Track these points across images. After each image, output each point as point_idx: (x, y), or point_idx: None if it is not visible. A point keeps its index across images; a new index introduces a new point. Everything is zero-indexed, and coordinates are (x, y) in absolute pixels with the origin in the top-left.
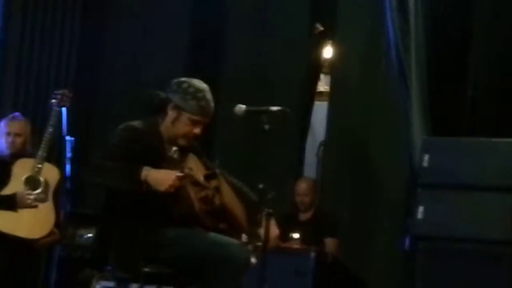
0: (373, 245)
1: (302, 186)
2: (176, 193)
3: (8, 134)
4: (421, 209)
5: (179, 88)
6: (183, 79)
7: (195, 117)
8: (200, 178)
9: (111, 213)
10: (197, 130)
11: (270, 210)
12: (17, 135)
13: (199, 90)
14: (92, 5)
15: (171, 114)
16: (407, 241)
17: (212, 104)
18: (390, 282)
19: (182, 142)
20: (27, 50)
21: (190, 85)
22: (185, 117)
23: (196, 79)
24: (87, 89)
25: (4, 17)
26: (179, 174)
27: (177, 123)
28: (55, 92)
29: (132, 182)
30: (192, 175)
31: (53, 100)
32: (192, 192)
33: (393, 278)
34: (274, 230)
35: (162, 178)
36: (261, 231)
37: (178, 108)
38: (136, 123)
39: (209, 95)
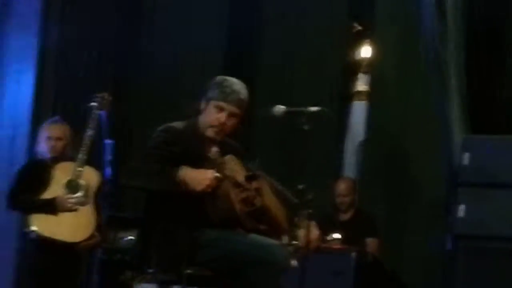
0: (412, 245)
1: (342, 187)
2: (216, 194)
3: (49, 138)
4: (462, 207)
5: (212, 85)
6: (218, 77)
7: (218, 103)
8: (241, 179)
9: (152, 215)
10: (223, 118)
11: (310, 211)
12: (58, 139)
13: (225, 80)
14: (130, 8)
15: (202, 106)
16: (447, 240)
17: (241, 96)
18: (429, 281)
19: (210, 133)
20: (65, 53)
21: (220, 78)
22: (211, 105)
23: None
24: (126, 92)
25: (43, 20)
26: (216, 174)
27: (205, 114)
28: (95, 95)
29: (169, 183)
30: (232, 176)
31: (93, 104)
32: (233, 194)
33: (433, 278)
34: (315, 232)
35: (199, 177)
36: (301, 233)
37: (206, 99)
38: (175, 124)
39: (237, 86)
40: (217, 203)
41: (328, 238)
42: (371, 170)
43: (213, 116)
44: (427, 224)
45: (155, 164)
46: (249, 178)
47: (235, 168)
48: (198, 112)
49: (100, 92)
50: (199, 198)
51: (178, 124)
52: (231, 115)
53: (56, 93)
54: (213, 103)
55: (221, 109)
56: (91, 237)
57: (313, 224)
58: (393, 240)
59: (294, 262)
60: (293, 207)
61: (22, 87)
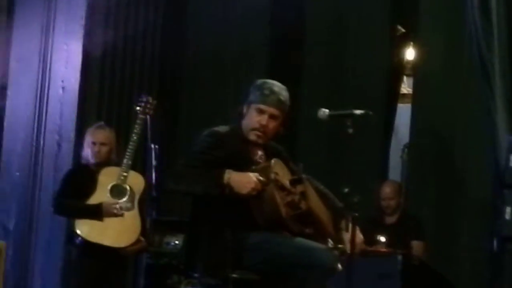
0: (459, 247)
1: (387, 190)
2: (262, 198)
3: (94, 143)
4: (508, 210)
5: (252, 86)
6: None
7: (258, 105)
8: (286, 183)
9: (198, 219)
10: (263, 121)
11: (356, 214)
12: (102, 144)
13: (265, 82)
14: (174, 12)
15: (244, 111)
16: (494, 242)
17: (281, 98)
18: (477, 283)
19: (253, 137)
20: (109, 58)
21: (261, 81)
22: (252, 108)
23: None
24: (171, 96)
25: (87, 26)
26: (261, 177)
27: (247, 117)
28: (140, 100)
29: (215, 186)
30: (278, 179)
31: (138, 108)
32: (278, 197)
33: (480, 280)
34: (359, 236)
35: (244, 181)
36: (346, 236)
37: (247, 102)
38: (220, 128)
39: (277, 88)
40: (262, 206)
41: (375, 241)
42: (417, 173)
43: (254, 119)
44: (474, 226)
45: (200, 168)
46: (294, 182)
47: (280, 172)
48: (241, 116)
49: (145, 97)
50: (245, 202)
51: (222, 128)
52: (271, 117)
53: (100, 98)
54: (253, 106)
55: (261, 112)
56: (136, 242)
57: (357, 228)
58: (440, 243)
59: (339, 266)
60: (337, 210)
61: (67, 92)
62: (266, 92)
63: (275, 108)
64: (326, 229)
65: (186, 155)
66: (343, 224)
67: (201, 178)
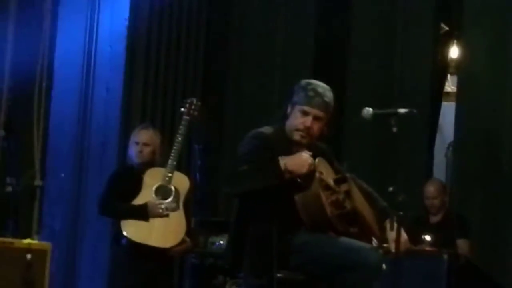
0: (505, 246)
1: (431, 189)
2: (307, 197)
3: (137, 143)
4: None
5: (296, 87)
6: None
7: (303, 107)
8: (330, 182)
9: (244, 219)
10: (308, 122)
11: (401, 213)
12: (145, 144)
13: (310, 83)
14: (217, 14)
15: (288, 111)
16: None
17: (325, 99)
18: None
19: (296, 137)
20: (153, 58)
21: (305, 82)
22: (296, 109)
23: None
24: (215, 96)
25: (130, 26)
26: (309, 152)
27: (291, 118)
28: (184, 101)
29: (275, 176)
30: (322, 179)
31: (182, 109)
32: (323, 196)
33: None
34: (403, 236)
35: (299, 161)
36: (391, 236)
37: (292, 103)
38: (264, 130)
39: (321, 89)
40: (308, 206)
41: (420, 240)
42: (462, 171)
43: (298, 120)
44: None
45: (253, 165)
46: (339, 181)
47: (325, 171)
48: (285, 116)
49: (190, 98)
50: (291, 202)
51: (266, 129)
52: (316, 118)
53: (144, 99)
54: (298, 107)
55: (305, 113)
56: (182, 242)
57: (401, 227)
58: (486, 242)
59: (384, 266)
60: (382, 209)
61: (111, 93)
62: (311, 93)
63: (319, 110)
64: (371, 229)
65: (235, 160)
66: (387, 223)
67: (258, 173)
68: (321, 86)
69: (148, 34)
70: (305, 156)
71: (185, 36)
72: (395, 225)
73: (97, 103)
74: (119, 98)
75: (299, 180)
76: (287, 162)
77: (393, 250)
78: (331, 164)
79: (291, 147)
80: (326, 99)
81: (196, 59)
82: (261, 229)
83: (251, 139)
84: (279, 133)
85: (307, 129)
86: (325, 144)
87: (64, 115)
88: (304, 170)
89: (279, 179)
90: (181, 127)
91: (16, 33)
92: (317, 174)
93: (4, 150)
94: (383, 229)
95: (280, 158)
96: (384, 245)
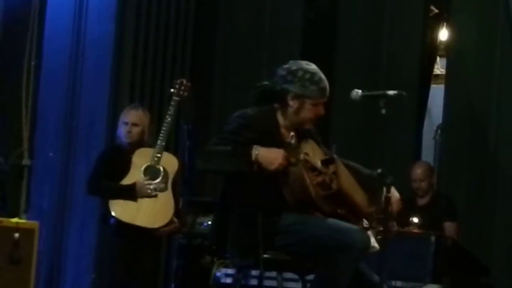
0: (492, 228)
1: (418, 172)
2: (291, 178)
3: (126, 123)
4: None
5: (295, 78)
6: (294, 67)
7: (318, 101)
8: (317, 163)
9: (228, 200)
10: (321, 111)
11: (389, 195)
12: (134, 124)
13: (314, 74)
14: None
15: (293, 104)
16: None
17: (327, 82)
18: (510, 264)
19: (309, 126)
20: (142, 38)
21: (304, 71)
22: (308, 103)
23: (302, 61)
24: (203, 76)
25: (119, 5)
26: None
27: (302, 111)
28: (174, 81)
29: (243, 164)
30: (307, 160)
31: (172, 90)
32: (307, 177)
33: None
34: (395, 195)
35: (271, 157)
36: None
37: (300, 97)
38: (251, 110)
39: (322, 75)
40: (292, 187)
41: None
42: (450, 154)
43: (312, 112)
44: (507, 207)
45: (228, 147)
46: (326, 162)
47: (311, 153)
48: (276, 99)
49: (179, 78)
50: (276, 183)
51: (253, 110)
52: (324, 104)
53: (133, 79)
54: (311, 101)
55: (318, 105)
56: (169, 223)
57: (393, 189)
58: (473, 224)
59: (376, 245)
60: (368, 176)
61: (100, 73)
62: (322, 85)
63: (327, 97)
64: (359, 209)
65: (217, 136)
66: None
67: (229, 156)
68: (319, 71)
69: (137, 13)
70: (280, 155)
71: (174, 15)
72: (386, 187)
73: (86, 82)
74: (108, 78)
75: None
76: (259, 153)
77: (384, 207)
78: (319, 145)
79: (278, 128)
80: (327, 81)
81: (185, 38)
82: (246, 210)
83: (236, 117)
84: (267, 115)
85: (321, 117)
86: (315, 126)
87: (53, 94)
88: (271, 167)
89: (248, 168)
90: (170, 107)
91: (4, 12)
92: (302, 156)
93: None
94: (375, 195)
95: (255, 147)
96: (375, 224)
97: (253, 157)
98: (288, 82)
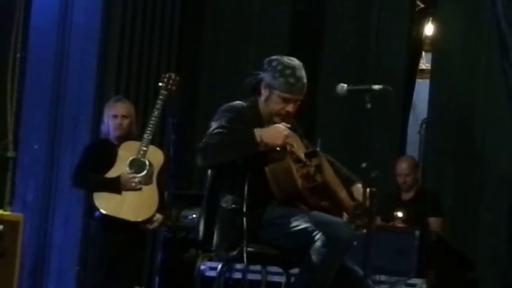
0: (477, 223)
1: (403, 166)
2: (278, 169)
3: (115, 116)
4: None
5: (269, 67)
6: (274, 57)
7: (284, 95)
8: (301, 155)
9: (215, 193)
10: (289, 108)
11: (374, 189)
12: (124, 117)
13: (287, 67)
14: None
15: (264, 92)
16: None
17: (304, 81)
18: (495, 260)
19: (277, 120)
20: (128, 31)
21: (279, 63)
22: (275, 95)
23: (288, 56)
24: (190, 70)
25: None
26: (286, 124)
27: (269, 102)
28: (163, 75)
29: (251, 146)
30: (293, 151)
31: (160, 84)
32: (294, 169)
33: (500, 256)
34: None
35: (275, 132)
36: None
37: (269, 86)
38: (236, 104)
39: (300, 72)
40: (279, 178)
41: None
42: (435, 149)
43: (279, 105)
44: (493, 202)
45: (227, 136)
46: (309, 155)
47: (296, 145)
48: (258, 93)
49: (168, 73)
50: (262, 175)
51: (238, 104)
52: (295, 102)
53: (119, 72)
54: (277, 93)
55: (287, 100)
56: (154, 216)
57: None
58: (458, 219)
59: (355, 242)
60: (346, 178)
61: (86, 66)
62: (291, 80)
63: (300, 95)
64: (342, 203)
65: (209, 133)
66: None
67: (233, 144)
68: (298, 67)
69: (124, 6)
70: (281, 128)
71: (160, 8)
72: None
73: (71, 75)
74: (94, 70)
75: (274, 152)
76: (262, 134)
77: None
78: (302, 140)
79: (264, 121)
80: (304, 80)
81: (171, 31)
82: (232, 203)
83: (223, 112)
84: (251, 108)
85: (288, 114)
86: (300, 120)
87: (38, 87)
88: (279, 142)
89: (254, 150)
90: (158, 101)
91: None
92: (288, 147)
93: None
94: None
95: (255, 130)
96: (356, 218)
97: (258, 139)
98: (264, 70)
